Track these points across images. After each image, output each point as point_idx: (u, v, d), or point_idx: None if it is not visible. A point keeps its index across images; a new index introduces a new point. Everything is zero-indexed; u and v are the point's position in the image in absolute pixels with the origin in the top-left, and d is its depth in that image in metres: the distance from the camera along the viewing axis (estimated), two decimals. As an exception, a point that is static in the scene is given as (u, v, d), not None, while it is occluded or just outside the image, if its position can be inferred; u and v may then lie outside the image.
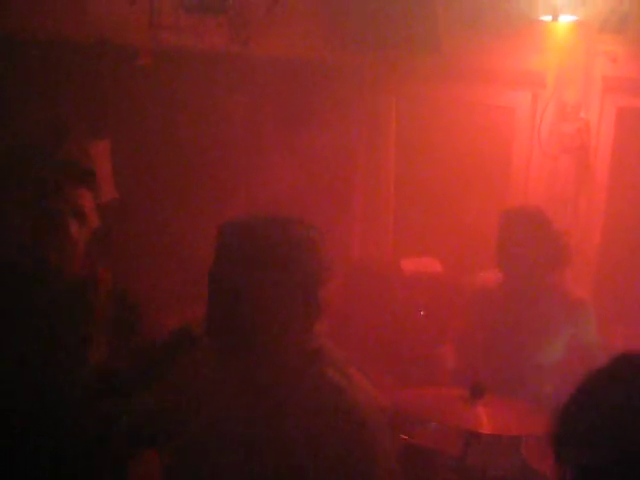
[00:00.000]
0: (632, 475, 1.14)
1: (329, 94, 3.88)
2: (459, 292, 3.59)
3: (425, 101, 4.22)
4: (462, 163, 4.10)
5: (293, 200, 3.52)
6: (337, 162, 4.11)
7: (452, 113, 4.14)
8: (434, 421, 2.76)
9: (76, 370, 2.23)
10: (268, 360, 1.69)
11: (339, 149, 4.07)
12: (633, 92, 3.75)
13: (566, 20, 3.71)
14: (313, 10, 3.78)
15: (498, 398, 2.61)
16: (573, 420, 1.23)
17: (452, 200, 4.16)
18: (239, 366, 1.72)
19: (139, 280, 3.04)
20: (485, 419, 2.51)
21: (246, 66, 3.53)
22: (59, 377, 2.21)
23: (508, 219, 3.17)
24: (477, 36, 3.85)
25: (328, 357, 1.76)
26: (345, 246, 4.29)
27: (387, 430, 1.77)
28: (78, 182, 2.31)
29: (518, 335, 3.15)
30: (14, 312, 2.24)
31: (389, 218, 4.49)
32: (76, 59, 3.05)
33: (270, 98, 3.71)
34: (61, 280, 2.31)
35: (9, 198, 2.64)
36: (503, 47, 3.88)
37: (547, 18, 3.70)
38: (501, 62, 3.93)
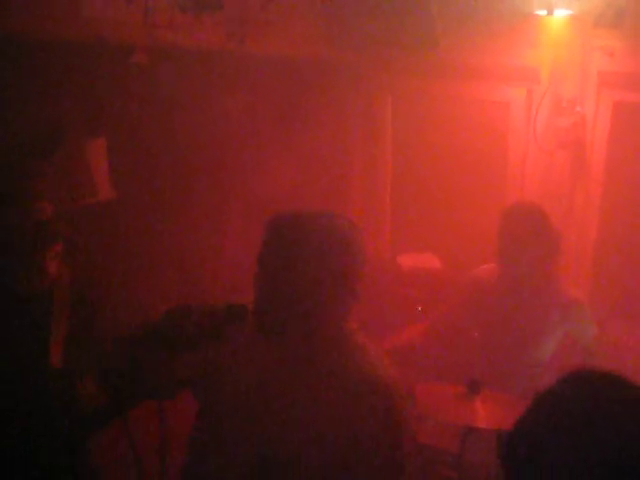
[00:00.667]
0: None
1: (326, 92, 3.88)
2: (457, 287, 3.60)
3: (421, 98, 4.23)
4: (458, 159, 4.11)
5: (290, 197, 3.53)
6: (334, 159, 4.11)
7: (448, 109, 4.14)
8: (432, 417, 2.77)
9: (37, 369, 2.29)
10: (306, 339, 1.84)
11: (336, 146, 4.08)
12: (629, 86, 3.75)
13: (561, 14, 3.70)
14: (309, 8, 3.77)
15: (495, 393, 2.63)
16: (523, 431, 1.27)
17: (449, 196, 4.17)
18: (278, 343, 1.88)
19: (136, 278, 3.06)
20: (482, 414, 2.52)
21: (242, 64, 3.53)
22: (24, 377, 2.27)
23: (507, 218, 3.18)
24: (472, 31, 3.85)
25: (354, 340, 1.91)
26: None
27: (406, 406, 1.92)
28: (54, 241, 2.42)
29: (513, 330, 3.17)
30: None
31: (386, 214, 4.50)
32: (72, 58, 3.04)
33: (267, 96, 3.71)
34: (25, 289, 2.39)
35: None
36: (498, 42, 3.88)
37: (542, 12, 3.70)
38: (496, 57, 3.93)
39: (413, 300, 3.97)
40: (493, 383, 2.70)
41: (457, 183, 4.13)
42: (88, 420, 2.30)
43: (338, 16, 3.82)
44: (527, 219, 3.14)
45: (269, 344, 1.90)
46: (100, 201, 3.07)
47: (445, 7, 3.78)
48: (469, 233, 3.97)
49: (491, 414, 2.51)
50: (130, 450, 2.36)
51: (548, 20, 3.75)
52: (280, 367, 1.88)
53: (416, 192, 4.32)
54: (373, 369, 1.85)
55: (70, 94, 3.06)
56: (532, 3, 3.70)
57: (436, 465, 2.70)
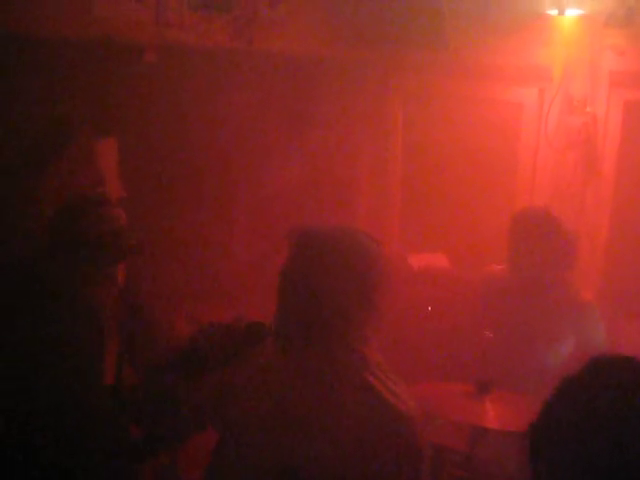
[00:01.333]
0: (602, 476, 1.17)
1: (335, 91, 3.88)
2: (467, 287, 3.59)
3: (431, 97, 4.21)
4: (468, 158, 4.09)
5: (298, 196, 3.53)
6: (343, 159, 4.10)
7: (458, 109, 4.13)
8: (441, 417, 2.76)
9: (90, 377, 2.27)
10: (328, 353, 1.84)
11: (345, 146, 4.07)
12: (640, 86, 3.74)
13: (572, 14, 3.69)
14: (318, 7, 3.77)
15: (505, 394, 2.62)
16: (548, 422, 1.25)
17: (459, 195, 4.16)
18: (299, 360, 1.87)
19: (145, 278, 3.06)
20: (492, 414, 2.51)
21: (251, 63, 3.54)
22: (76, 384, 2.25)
23: (518, 221, 3.17)
24: (483, 31, 3.84)
25: (372, 362, 1.89)
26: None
27: (423, 436, 1.89)
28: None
29: (524, 332, 3.15)
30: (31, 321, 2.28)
31: (396, 214, 4.49)
32: (83, 57, 3.06)
33: (275, 96, 3.71)
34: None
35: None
36: (509, 42, 3.86)
37: (553, 12, 3.69)
38: (507, 57, 3.91)
39: (423, 300, 3.96)
40: (504, 384, 2.68)
41: (467, 183, 4.12)
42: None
43: (347, 15, 3.81)
44: (537, 224, 3.13)
45: (290, 362, 1.89)
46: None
47: (456, 6, 3.77)
48: (480, 233, 3.95)
49: (501, 414, 2.50)
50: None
51: (559, 20, 3.74)
52: (302, 384, 1.87)
53: (426, 192, 4.31)
54: (400, 399, 1.84)
55: (80, 93, 3.07)
56: (543, 3, 3.69)
57: (445, 464, 2.69)
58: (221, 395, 1.97)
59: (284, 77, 3.70)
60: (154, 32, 3.26)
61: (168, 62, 3.30)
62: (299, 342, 1.84)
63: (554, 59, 3.85)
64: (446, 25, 3.75)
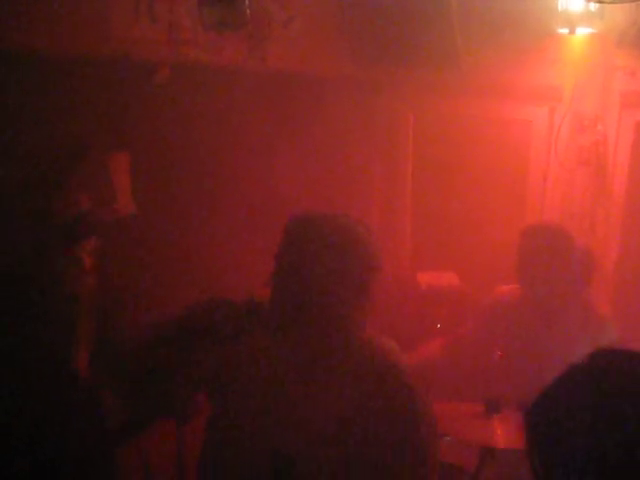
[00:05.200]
0: (608, 473, 1.16)
1: (347, 110, 3.89)
2: (477, 306, 3.58)
3: (442, 116, 4.23)
4: (479, 177, 4.10)
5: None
6: (354, 177, 4.12)
7: (469, 127, 4.14)
8: (449, 435, 2.75)
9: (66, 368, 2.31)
10: (322, 333, 1.89)
11: (356, 164, 4.08)
12: (651, 106, 3.75)
13: (583, 33, 3.70)
14: (332, 27, 3.80)
15: (514, 413, 2.61)
16: (547, 417, 1.25)
17: (469, 214, 4.16)
18: (294, 342, 1.92)
19: (155, 292, 3.08)
20: (500, 434, 2.51)
21: (264, 81, 3.56)
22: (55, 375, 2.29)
23: (527, 237, 3.15)
24: (494, 51, 3.85)
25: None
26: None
27: (427, 393, 1.96)
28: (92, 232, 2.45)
29: (536, 352, 3.13)
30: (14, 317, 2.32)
31: (406, 232, 4.49)
32: (97, 75, 3.10)
33: (288, 113, 3.74)
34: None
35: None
36: (520, 61, 3.88)
37: (564, 31, 3.70)
38: (518, 76, 3.92)
39: (432, 318, 3.96)
40: (513, 404, 2.67)
41: (478, 202, 4.12)
42: (111, 435, 2.30)
43: (361, 35, 3.84)
44: (546, 239, 3.11)
45: (284, 342, 1.93)
46: (121, 216, 3.11)
47: (468, 25, 3.79)
48: (490, 252, 3.95)
49: (510, 434, 2.49)
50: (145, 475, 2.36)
51: (570, 39, 3.75)
52: (297, 367, 1.92)
53: (437, 211, 4.32)
54: (393, 365, 1.90)
55: (94, 109, 3.11)
56: (554, 22, 3.70)
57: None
58: (220, 370, 2.00)
59: (296, 95, 3.73)
60: (168, 50, 3.29)
61: (182, 80, 3.34)
62: (293, 325, 1.88)
63: (565, 78, 3.86)
64: (458, 45, 3.77)
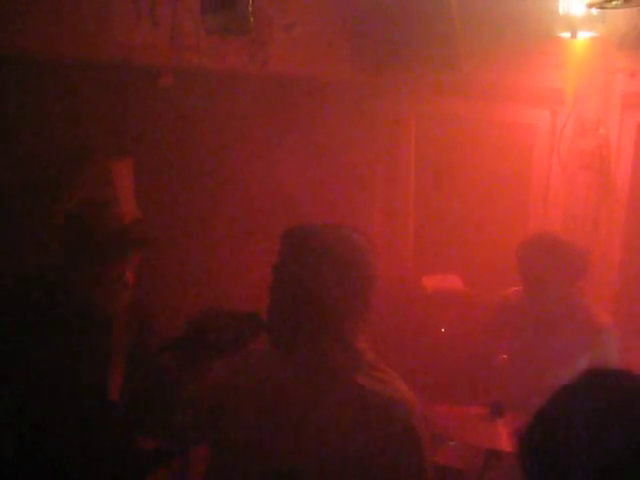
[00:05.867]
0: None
1: (348, 113, 3.90)
2: (481, 309, 3.58)
3: (443, 119, 4.23)
4: (481, 180, 4.10)
5: (310, 217, 3.53)
6: (356, 181, 4.12)
7: (471, 130, 4.14)
8: (453, 439, 2.75)
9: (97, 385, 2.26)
10: (318, 352, 1.84)
11: (359, 167, 4.09)
12: (653, 108, 3.74)
13: (584, 37, 3.71)
14: (333, 31, 3.81)
15: (518, 417, 2.61)
16: (542, 426, 1.25)
17: (472, 217, 4.16)
18: (292, 356, 1.87)
19: (159, 298, 3.07)
20: (505, 437, 2.50)
21: (266, 86, 3.57)
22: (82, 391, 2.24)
23: (526, 250, 3.17)
24: (496, 54, 3.85)
25: (364, 358, 1.89)
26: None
27: (424, 425, 1.88)
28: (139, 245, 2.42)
29: (539, 356, 3.13)
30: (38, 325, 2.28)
31: (409, 236, 4.49)
32: (99, 80, 3.10)
33: (290, 117, 3.74)
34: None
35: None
36: (522, 64, 3.88)
37: (566, 35, 3.70)
38: (520, 79, 3.93)
39: (438, 321, 3.96)
40: (518, 407, 2.67)
41: (481, 204, 4.12)
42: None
43: (362, 38, 3.84)
44: (544, 253, 3.13)
45: (283, 359, 1.90)
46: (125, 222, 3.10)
47: (470, 29, 3.79)
48: (493, 254, 3.95)
49: (514, 437, 2.49)
50: None
51: (572, 42, 3.75)
52: (296, 383, 1.88)
53: (440, 214, 4.32)
54: (392, 387, 1.86)
55: (97, 114, 3.11)
56: (556, 25, 3.70)
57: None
58: (214, 397, 1.94)
59: (298, 99, 3.73)
60: (170, 55, 3.30)
61: (184, 84, 3.34)
62: (291, 338, 1.84)
63: (566, 81, 3.86)
64: (459, 48, 3.77)
